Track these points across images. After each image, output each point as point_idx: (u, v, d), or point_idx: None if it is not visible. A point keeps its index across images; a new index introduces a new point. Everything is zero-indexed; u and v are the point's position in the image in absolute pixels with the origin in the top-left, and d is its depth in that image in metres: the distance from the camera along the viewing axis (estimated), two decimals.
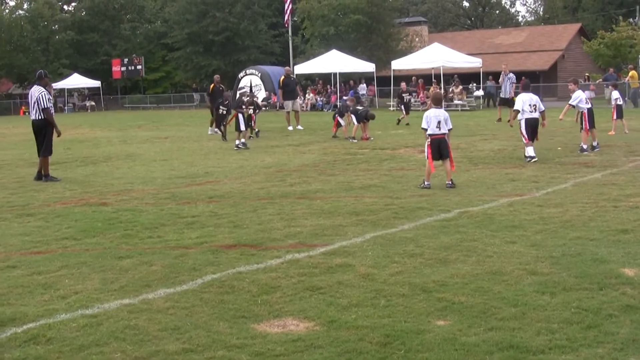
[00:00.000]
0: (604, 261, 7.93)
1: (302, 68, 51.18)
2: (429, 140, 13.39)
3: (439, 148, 13.39)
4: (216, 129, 28.22)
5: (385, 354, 5.52)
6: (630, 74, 45.31)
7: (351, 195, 12.90)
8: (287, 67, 37.57)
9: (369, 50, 56.85)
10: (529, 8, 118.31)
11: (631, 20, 65.48)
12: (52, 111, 16.72)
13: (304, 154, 20.46)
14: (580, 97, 18.58)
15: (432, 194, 12.73)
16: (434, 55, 46.86)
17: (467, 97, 47.37)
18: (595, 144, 18.71)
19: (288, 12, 58.28)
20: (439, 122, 13.36)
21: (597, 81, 47.95)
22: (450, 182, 13.31)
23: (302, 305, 6.71)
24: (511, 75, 33.19)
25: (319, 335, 5.93)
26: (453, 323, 6.13)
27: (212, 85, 30.93)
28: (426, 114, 13.61)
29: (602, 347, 5.54)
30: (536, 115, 16.90)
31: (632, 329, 5.90)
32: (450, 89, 46.18)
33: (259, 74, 54.35)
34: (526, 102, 16.92)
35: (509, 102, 30.79)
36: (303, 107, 44.37)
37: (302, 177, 15.38)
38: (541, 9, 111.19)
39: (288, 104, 31.59)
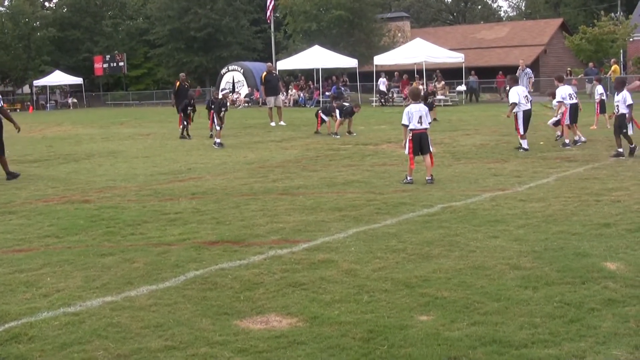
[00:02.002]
0: (586, 255, 7.96)
1: (285, 64, 51.10)
2: (411, 135, 13.40)
3: (420, 143, 13.41)
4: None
5: (368, 349, 5.52)
6: (612, 68, 45.54)
7: (334, 191, 12.90)
8: (270, 63, 37.52)
9: (351, 45, 56.82)
10: (510, 3, 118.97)
11: (612, 15, 65.70)
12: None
13: (286, 149, 20.45)
14: (566, 94, 18.79)
15: (414, 189, 12.74)
16: (417, 51, 46.85)
17: (449, 93, 47.43)
18: (577, 138, 18.81)
19: (270, 8, 58.22)
20: (420, 117, 13.37)
21: (579, 76, 48.08)
22: (430, 178, 13.33)
23: (285, 302, 6.70)
24: (528, 70, 33.45)
25: (301, 331, 5.92)
26: (436, 318, 6.13)
27: (177, 84, 30.93)
28: (407, 109, 13.60)
29: (584, 340, 5.56)
30: (529, 106, 17.39)
31: (614, 322, 5.92)
32: (433, 84, 46.22)
33: (242, 70, 54.28)
34: (521, 95, 17.35)
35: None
36: (285, 103, 44.39)
37: (285, 173, 15.36)
38: (523, 4, 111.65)
39: (270, 99, 31.56)
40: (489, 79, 55.02)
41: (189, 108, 25.63)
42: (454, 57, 48.75)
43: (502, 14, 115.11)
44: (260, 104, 43.38)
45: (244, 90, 52.04)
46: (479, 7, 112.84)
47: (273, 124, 30.52)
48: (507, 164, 15.45)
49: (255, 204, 11.75)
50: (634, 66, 56.32)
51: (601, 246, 8.34)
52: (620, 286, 6.84)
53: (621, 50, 58.32)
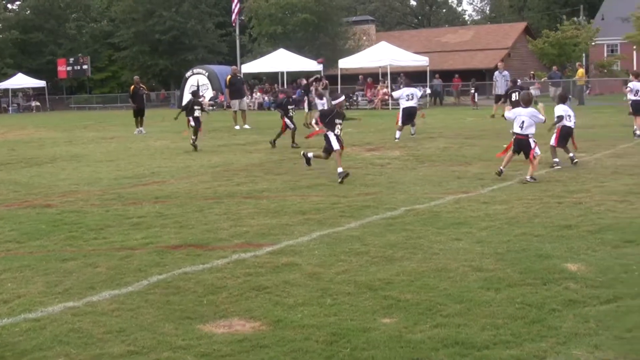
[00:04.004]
0: (548, 256, 8.04)
1: (250, 67, 51.09)
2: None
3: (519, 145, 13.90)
4: (141, 128, 29.44)
5: (331, 352, 5.53)
6: (578, 72, 45.98)
7: (298, 194, 12.89)
8: (234, 67, 37.52)
9: (316, 49, 56.87)
10: (475, 7, 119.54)
11: (575, 19, 66.36)
12: None
13: (250, 153, 20.41)
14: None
15: (378, 192, 12.77)
16: (381, 54, 47.06)
17: None
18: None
19: (235, 11, 58.00)
20: (522, 122, 13.80)
21: (542, 79, 48.52)
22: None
23: (248, 305, 6.69)
24: (506, 72, 33.73)
25: (265, 335, 5.92)
26: (399, 320, 6.15)
27: (132, 87, 31.05)
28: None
29: (545, 341, 5.62)
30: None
31: (574, 322, 5.99)
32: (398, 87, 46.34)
33: (206, 74, 54.07)
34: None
35: (500, 98, 31.39)
36: (250, 106, 44.29)
37: (249, 176, 15.33)
38: (487, 8, 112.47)
39: (235, 103, 31.55)
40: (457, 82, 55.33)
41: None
42: (418, 61, 49.02)
43: (467, 17, 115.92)
44: (224, 107, 43.23)
45: (208, 93, 51.75)
46: (444, 10, 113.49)
47: (237, 127, 30.49)
48: (471, 167, 15.53)
49: (219, 208, 11.71)
50: (596, 70, 56.94)
51: (562, 247, 8.43)
52: (581, 287, 6.92)
53: (584, 54, 58.93)
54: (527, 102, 14.13)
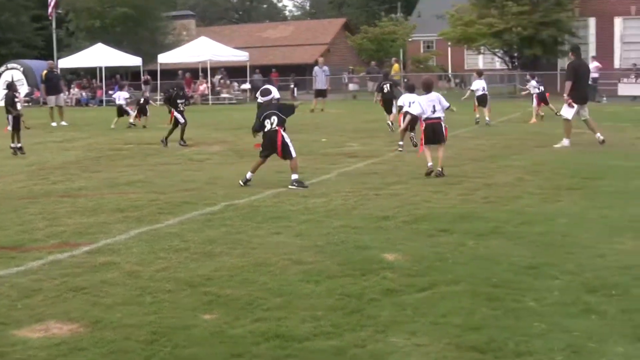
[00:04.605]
0: (366, 247, 8.18)
1: (67, 62, 49.61)
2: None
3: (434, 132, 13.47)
4: None
5: (151, 351, 5.40)
6: (393, 67, 47.24)
7: (115, 191, 12.58)
8: (51, 61, 36.28)
9: (135, 43, 55.79)
10: (295, 3, 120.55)
11: (393, 16, 68.23)
12: None
13: (67, 150, 19.77)
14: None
15: (197, 187, 12.65)
16: (201, 49, 46.80)
17: (234, 91, 47.62)
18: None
19: (52, 4, 56.06)
20: (433, 106, 13.43)
21: (361, 74, 49.62)
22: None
23: (66, 307, 6.44)
24: (326, 68, 34.02)
25: (82, 337, 5.71)
26: (219, 316, 6.09)
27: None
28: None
29: (365, 330, 5.70)
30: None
31: (392, 311, 6.11)
32: (218, 82, 46.31)
33: (21, 69, 52.09)
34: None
35: (323, 93, 31.63)
36: (67, 102, 42.99)
37: (66, 174, 14.82)
38: (307, 4, 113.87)
39: (51, 99, 30.52)
40: (275, 77, 55.68)
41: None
42: (238, 56, 49.07)
43: (287, 13, 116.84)
44: (41, 103, 41.82)
45: (23, 89, 49.88)
46: (265, 6, 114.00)
47: (54, 124, 29.49)
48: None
49: (35, 208, 11.24)
50: (413, 65, 58.71)
51: (380, 238, 8.60)
52: (398, 276, 7.06)
53: (401, 50, 60.65)
54: (429, 87, 13.89)
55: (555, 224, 9.27)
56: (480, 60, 55.69)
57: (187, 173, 13.94)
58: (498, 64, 48.90)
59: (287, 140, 12.67)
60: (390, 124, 21.48)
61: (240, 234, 9.00)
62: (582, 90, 17.94)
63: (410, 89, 17.44)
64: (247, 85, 49.57)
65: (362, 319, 5.94)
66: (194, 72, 49.35)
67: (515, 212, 10.05)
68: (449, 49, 56.85)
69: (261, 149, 12.86)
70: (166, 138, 19.69)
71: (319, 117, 27.09)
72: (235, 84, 50.13)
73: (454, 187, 12.12)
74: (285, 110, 13.05)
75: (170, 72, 50.10)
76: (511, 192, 11.56)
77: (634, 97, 38.79)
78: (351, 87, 50.52)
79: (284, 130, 12.68)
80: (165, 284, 7.02)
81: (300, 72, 54.42)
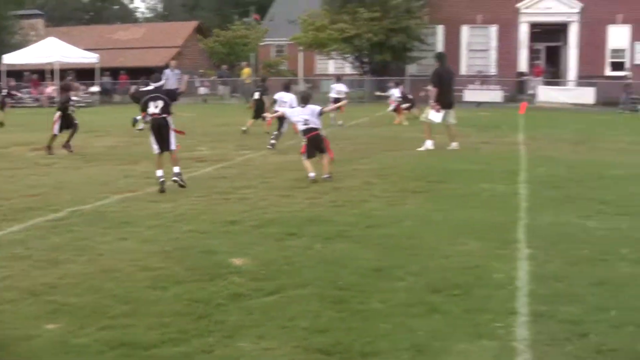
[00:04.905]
0: (214, 252, 8.17)
1: None
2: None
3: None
4: None
5: None
6: (244, 70, 47.33)
7: None
8: None
9: None
10: (147, 4, 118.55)
11: (246, 19, 68.25)
12: None
13: None
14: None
15: (43, 193, 12.28)
16: (49, 50, 45.46)
17: (83, 93, 46.54)
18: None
19: None
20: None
21: (212, 77, 49.44)
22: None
23: None
24: (178, 71, 33.56)
25: None
26: (64, 325, 5.96)
27: None
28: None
29: (212, 335, 5.71)
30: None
31: (240, 315, 6.14)
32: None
33: None
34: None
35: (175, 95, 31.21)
36: None
37: None
38: (160, 6, 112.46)
39: None
40: (125, 80, 54.74)
41: None
42: (88, 58, 47.98)
43: (139, 15, 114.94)
44: None
45: None
46: (116, 7, 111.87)
47: None
48: (138, 166, 15.39)
49: None
50: (264, 69, 58.89)
51: (228, 243, 8.62)
52: (246, 280, 7.10)
53: (253, 54, 60.72)
54: (305, 100, 14.03)
55: (400, 227, 9.51)
56: (331, 65, 56.48)
57: (33, 178, 13.55)
58: (348, 69, 49.58)
59: (172, 131, 12.58)
60: (244, 129, 22.24)
61: (87, 240, 8.82)
62: (446, 95, 18.53)
63: (286, 88, 18.13)
64: (95, 88, 48.49)
65: (209, 325, 5.94)
66: (41, 74, 47.92)
67: (362, 215, 10.26)
68: (301, 53, 57.34)
69: (155, 143, 12.58)
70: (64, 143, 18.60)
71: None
72: (83, 86, 49.00)
73: (302, 190, 12.26)
74: (171, 94, 13.04)
75: (16, 73, 48.45)
76: (358, 196, 11.79)
77: (479, 103, 40.31)
78: (202, 90, 50.20)
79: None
80: (6, 293, 6.80)
81: (151, 75, 53.61)
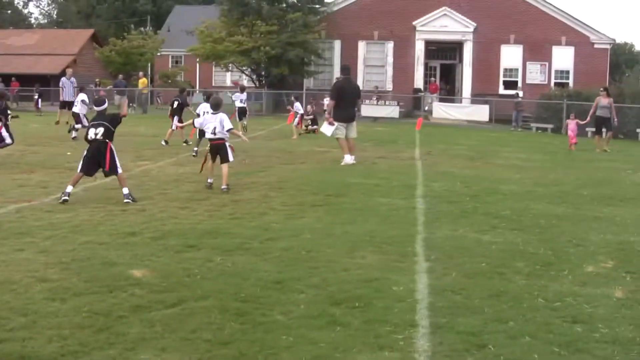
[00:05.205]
0: (114, 264, 8.10)
1: None
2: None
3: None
4: None
5: None
6: (140, 81, 46.83)
7: None
8: None
9: None
10: (42, 10, 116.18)
11: (142, 29, 67.60)
12: None
13: None
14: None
15: None
16: None
17: None
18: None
19: None
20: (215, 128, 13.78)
21: (108, 87, 48.72)
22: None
23: None
24: (73, 79, 32.89)
25: None
26: None
27: None
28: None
29: (113, 348, 5.66)
30: None
31: (141, 328, 6.11)
32: None
33: None
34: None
35: (69, 105, 30.58)
36: None
37: None
38: (55, 12, 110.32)
39: None
40: (16, 86, 53.51)
41: None
42: None
43: (33, 20, 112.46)
44: None
45: None
46: (9, 12, 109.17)
47: None
48: (34, 175, 15.10)
49: None
50: (161, 79, 58.42)
51: (128, 254, 8.56)
52: (147, 292, 7.07)
53: (150, 64, 60.18)
54: (216, 106, 14.03)
55: (300, 240, 9.60)
56: (228, 77, 56.45)
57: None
58: (246, 82, 49.73)
59: (115, 155, 12.42)
60: (164, 142, 22.41)
61: None
62: (347, 109, 18.64)
63: (208, 99, 17.92)
64: None
65: (110, 337, 5.89)
66: None
67: (261, 228, 10.32)
68: (198, 64, 57.10)
69: (82, 163, 12.46)
70: None
71: (63, 129, 26.34)
72: None
73: (201, 203, 12.25)
74: (114, 121, 12.69)
75: None
76: (257, 209, 11.84)
77: (375, 118, 40.87)
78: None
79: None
80: None
81: (45, 83, 52.60)
